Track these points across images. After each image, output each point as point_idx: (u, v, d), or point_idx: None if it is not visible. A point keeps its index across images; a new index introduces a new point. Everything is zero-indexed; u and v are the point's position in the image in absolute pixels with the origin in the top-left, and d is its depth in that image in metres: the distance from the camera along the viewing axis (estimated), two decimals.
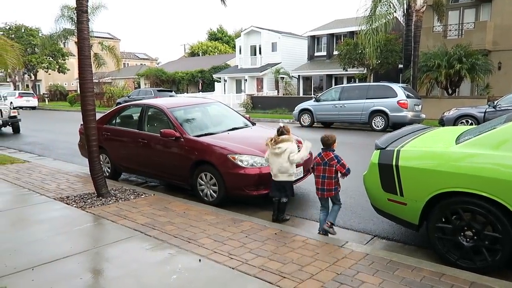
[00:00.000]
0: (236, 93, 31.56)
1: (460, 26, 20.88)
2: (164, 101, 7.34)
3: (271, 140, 4.72)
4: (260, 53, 33.85)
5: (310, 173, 6.24)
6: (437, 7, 19.47)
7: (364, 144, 10.86)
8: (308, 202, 5.83)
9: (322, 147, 4.39)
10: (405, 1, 17.56)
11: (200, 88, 38.42)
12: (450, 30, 21.07)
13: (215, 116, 7.14)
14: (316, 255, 3.71)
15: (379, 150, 4.14)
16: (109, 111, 7.79)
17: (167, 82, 39.92)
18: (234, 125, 6.75)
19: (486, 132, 3.64)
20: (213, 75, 37.14)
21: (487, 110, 12.48)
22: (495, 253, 3.40)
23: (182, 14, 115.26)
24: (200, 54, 53.66)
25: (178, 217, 4.85)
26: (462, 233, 3.57)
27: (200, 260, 3.62)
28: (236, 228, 4.46)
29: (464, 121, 12.85)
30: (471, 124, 12.57)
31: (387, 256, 3.65)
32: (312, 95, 24.26)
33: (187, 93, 36.91)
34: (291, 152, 4.66)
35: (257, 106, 25.68)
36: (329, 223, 4.34)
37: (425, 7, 17.20)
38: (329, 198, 4.41)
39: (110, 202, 5.59)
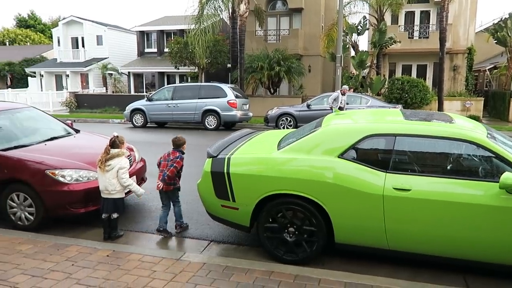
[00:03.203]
0: (57, 90, 28.04)
1: (278, 32, 23.28)
2: None
3: (100, 161, 4.33)
4: (83, 46, 30.84)
5: (145, 181, 6.04)
6: (258, 14, 21.27)
7: (198, 145, 11.04)
8: (143, 213, 5.56)
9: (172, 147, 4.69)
10: (230, 5, 18.57)
11: (9, 83, 32.80)
12: (269, 35, 23.27)
13: (28, 124, 6.12)
14: (153, 273, 3.57)
15: (211, 158, 4.24)
16: None
17: None
18: (52, 134, 5.92)
19: (300, 138, 4.12)
20: (26, 69, 32.01)
21: (302, 109, 14.33)
22: (313, 244, 3.90)
23: None
24: (7, 43, 45.68)
25: None
26: (286, 230, 3.97)
27: None
28: (60, 256, 3.94)
29: (284, 118, 14.43)
30: (290, 121, 14.27)
31: (223, 263, 3.78)
32: (145, 93, 23.48)
33: None
34: (120, 168, 4.34)
35: (83, 105, 23.42)
36: (177, 226, 4.79)
37: (247, 12, 18.54)
38: (168, 196, 4.68)
39: None
